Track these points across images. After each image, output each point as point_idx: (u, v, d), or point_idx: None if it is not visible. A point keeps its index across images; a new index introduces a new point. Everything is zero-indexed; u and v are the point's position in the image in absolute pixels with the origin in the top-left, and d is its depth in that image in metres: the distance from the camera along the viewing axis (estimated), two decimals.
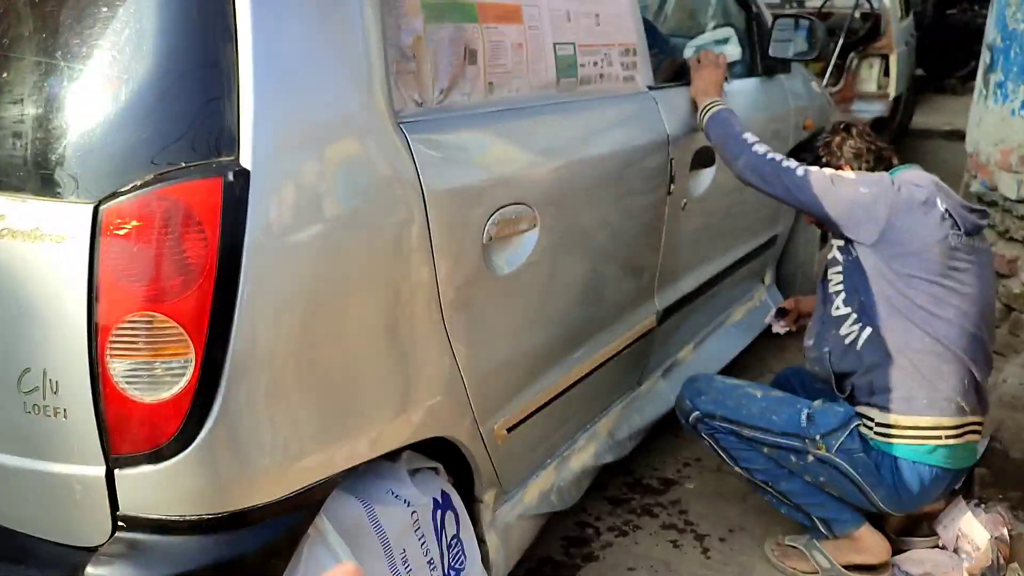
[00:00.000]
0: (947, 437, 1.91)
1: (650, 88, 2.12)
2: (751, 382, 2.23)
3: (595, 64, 1.92)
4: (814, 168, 1.99)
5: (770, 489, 2.10)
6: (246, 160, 1.14)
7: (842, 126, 2.14)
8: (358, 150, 1.29)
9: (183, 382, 1.13)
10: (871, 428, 1.96)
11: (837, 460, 1.98)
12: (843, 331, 2.00)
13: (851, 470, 1.97)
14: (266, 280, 1.16)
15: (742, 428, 2.06)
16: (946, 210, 1.90)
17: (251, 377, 1.17)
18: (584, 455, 2.09)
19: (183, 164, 1.13)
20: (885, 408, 1.95)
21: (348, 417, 1.32)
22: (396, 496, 1.45)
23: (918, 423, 1.92)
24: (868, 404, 1.98)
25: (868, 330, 1.96)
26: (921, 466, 1.92)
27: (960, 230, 1.90)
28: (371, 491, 1.44)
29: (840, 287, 2.01)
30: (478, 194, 1.49)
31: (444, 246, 1.42)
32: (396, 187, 1.33)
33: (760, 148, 2.03)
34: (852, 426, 1.98)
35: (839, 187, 1.94)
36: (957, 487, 2.12)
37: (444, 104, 1.49)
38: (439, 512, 1.53)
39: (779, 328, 2.53)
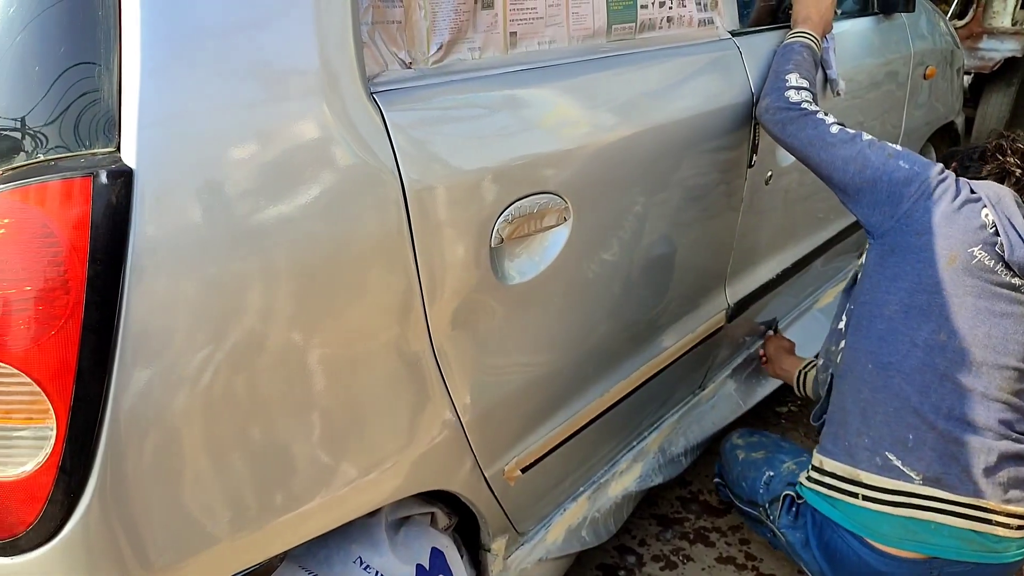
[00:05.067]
0: (866, 499, 1.46)
1: (733, 34, 1.70)
2: (763, 438, 1.89)
3: (661, 4, 1.50)
4: (852, 129, 1.56)
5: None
6: (129, 153, 0.81)
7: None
8: (304, 133, 0.93)
9: (42, 456, 0.83)
10: (809, 477, 1.60)
11: (788, 539, 1.64)
12: (839, 348, 1.62)
13: (800, 553, 1.62)
14: (160, 316, 0.84)
15: (732, 496, 1.85)
16: (993, 223, 1.42)
17: (141, 446, 0.86)
18: (627, 480, 1.76)
19: (40, 158, 0.81)
20: (820, 446, 1.59)
21: (294, 485, 1.01)
22: (365, 568, 1.15)
23: (835, 469, 1.52)
24: (819, 443, 1.61)
25: (841, 343, 1.58)
26: (841, 532, 1.50)
27: (1003, 254, 1.41)
28: (332, 560, 1.14)
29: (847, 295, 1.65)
30: (485, 185, 1.13)
31: (432, 256, 1.07)
32: (362, 181, 0.98)
33: (795, 95, 1.58)
34: (789, 489, 1.64)
35: (873, 152, 1.51)
36: None
37: (443, 64, 1.12)
38: None
39: None
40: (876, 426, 1.46)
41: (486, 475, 1.30)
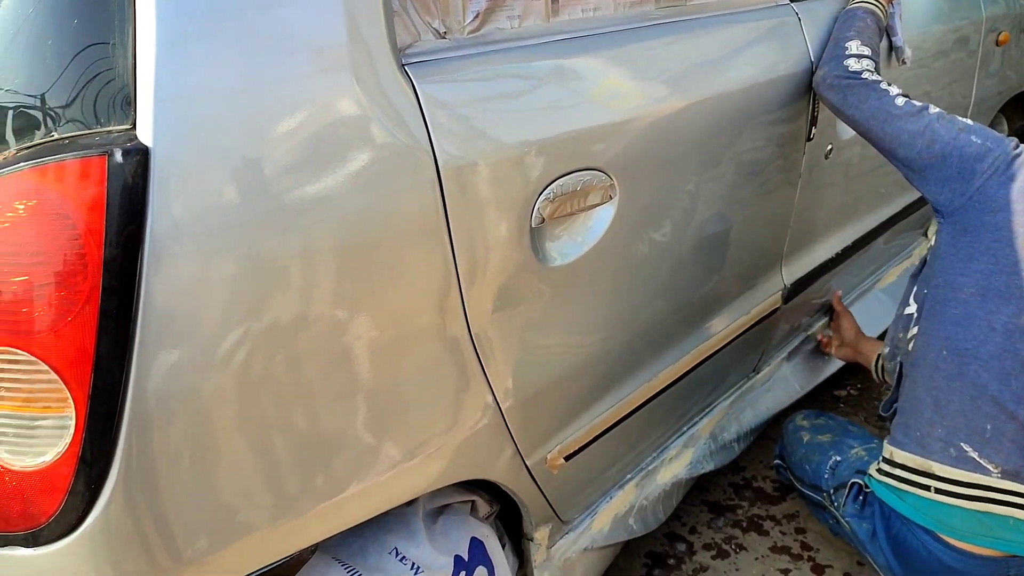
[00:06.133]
0: (939, 491, 1.38)
1: None
2: (829, 421, 1.81)
3: None
4: (919, 101, 1.45)
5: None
6: (145, 131, 0.77)
7: None
8: (331, 109, 0.89)
9: (61, 446, 0.81)
10: (879, 468, 1.52)
11: (853, 528, 1.56)
12: (909, 335, 1.51)
13: (865, 544, 1.54)
14: (183, 300, 0.81)
15: (792, 478, 1.78)
16: None
17: (167, 434, 0.83)
18: (676, 466, 1.70)
19: (54, 136, 0.78)
20: (891, 437, 1.50)
21: (327, 473, 0.98)
22: (401, 559, 1.11)
23: (906, 461, 1.44)
24: (889, 434, 1.53)
25: (915, 329, 1.49)
26: (911, 525, 1.43)
27: None
28: (367, 551, 1.11)
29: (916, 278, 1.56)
30: (524, 161, 1.07)
31: (469, 236, 1.02)
32: (393, 158, 0.93)
33: (855, 64, 1.49)
34: (857, 478, 1.56)
35: (942, 126, 1.41)
36: None
37: (480, 34, 1.07)
38: (463, 573, 1.18)
39: None
40: (950, 416, 1.38)
41: (527, 463, 1.25)
